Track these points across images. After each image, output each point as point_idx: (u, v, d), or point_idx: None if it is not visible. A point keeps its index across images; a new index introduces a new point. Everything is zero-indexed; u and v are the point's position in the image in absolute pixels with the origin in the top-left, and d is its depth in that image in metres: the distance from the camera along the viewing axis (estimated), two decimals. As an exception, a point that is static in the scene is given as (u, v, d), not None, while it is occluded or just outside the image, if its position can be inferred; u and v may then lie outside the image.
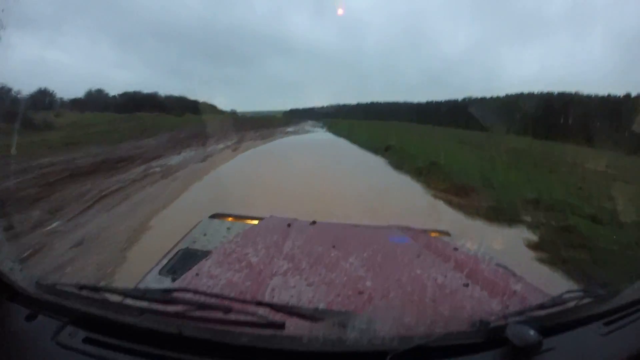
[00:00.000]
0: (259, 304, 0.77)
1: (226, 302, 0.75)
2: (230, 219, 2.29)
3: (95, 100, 33.58)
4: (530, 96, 38.54)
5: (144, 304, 0.77)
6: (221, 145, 17.95)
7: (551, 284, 4.26)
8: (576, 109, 31.97)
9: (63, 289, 0.79)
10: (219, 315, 0.71)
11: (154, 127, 21.53)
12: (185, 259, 1.53)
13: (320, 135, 35.74)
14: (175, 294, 0.79)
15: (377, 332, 0.68)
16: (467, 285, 1.03)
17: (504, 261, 1.47)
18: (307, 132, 39.53)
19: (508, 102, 40.80)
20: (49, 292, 0.78)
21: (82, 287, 0.78)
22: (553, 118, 33.91)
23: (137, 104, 31.96)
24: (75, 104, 34.71)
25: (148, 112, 30.93)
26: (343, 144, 25.13)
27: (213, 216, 2.32)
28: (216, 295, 0.80)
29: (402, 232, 1.85)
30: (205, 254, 1.36)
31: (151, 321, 0.70)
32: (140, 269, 1.58)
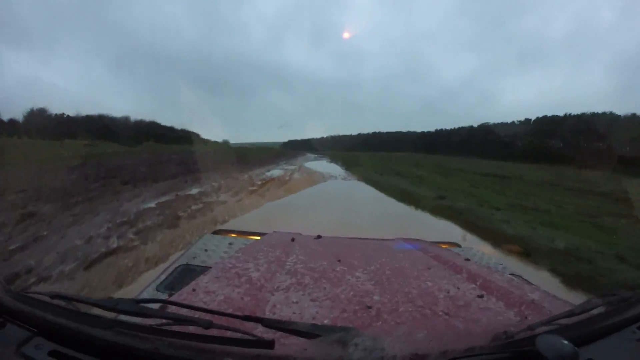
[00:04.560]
0: (248, 318, 0.69)
1: (209, 316, 0.68)
2: (232, 234, 2.15)
3: (37, 123, 27.68)
4: (566, 118, 32.14)
5: (119, 316, 0.72)
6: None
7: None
8: (618, 131, 25.74)
9: (35, 297, 0.76)
10: (199, 331, 0.65)
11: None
12: (184, 275, 1.44)
13: (349, 193, 14.68)
14: (152, 306, 0.74)
15: (386, 350, 0.61)
16: (481, 296, 0.99)
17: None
18: (311, 175, 20.01)
19: (539, 125, 34.51)
20: (20, 300, 0.73)
21: (54, 296, 0.74)
22: (595, 141, 27.34)
23: (72, 129, 26.03)
24: (9, 125, 28.97)
25: (86, 140, 24.96)
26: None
27: (215, 232, 2.21)
28: (198, 309, 0.73)
29: (410, 244, 1.80)
30: (205, 269, 1.28)
31: (124, 335, 0.64)
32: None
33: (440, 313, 0.88)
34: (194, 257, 1.62)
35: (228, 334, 0.64)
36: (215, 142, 57.16)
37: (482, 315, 0.87)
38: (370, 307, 0.89)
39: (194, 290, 0.96)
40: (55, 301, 0.72)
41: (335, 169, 27.74)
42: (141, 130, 34.22)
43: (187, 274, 1.42)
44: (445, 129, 53.78)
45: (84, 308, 0.72)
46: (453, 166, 27.86)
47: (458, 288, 1.04)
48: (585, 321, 0.74)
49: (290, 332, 0.65)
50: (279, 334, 0.65)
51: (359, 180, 18.87)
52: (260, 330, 0.66)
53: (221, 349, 0.62)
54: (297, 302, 0.91)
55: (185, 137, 43.38)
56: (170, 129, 42.89)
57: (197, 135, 53.44)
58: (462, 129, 47.42)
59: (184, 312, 0.70)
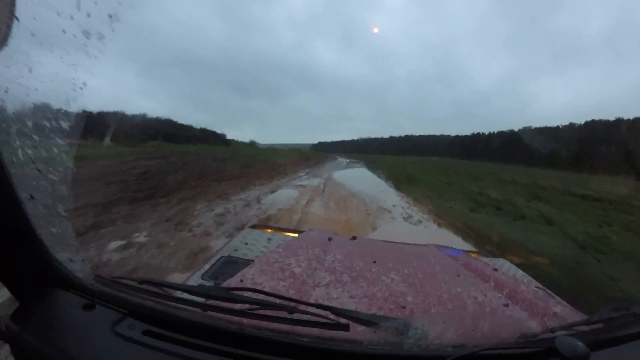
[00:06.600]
0: (320, 306, 0.76)
1: (290, 303, 0.75)
2: (269, 230, 2.26)
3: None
4: (618, 122, 25.85)
5: (207, 300, 0.77)
6: None
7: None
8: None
9: (122, 282, 0.79)
10: (282, 314, 0.72)
11: None
12: (226, 266, 1.53)
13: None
14: (238, 293, 0.80)
15: (434, 338, 0.71)
16: (507, 305, 1.02)
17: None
18: (343, 203, 10.42)
19: (589, 130, 28.34)
20: (108, 285, 0.77)
21: (143, 282, 0.78)
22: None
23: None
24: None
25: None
26: None
27: (253, 227, 2.32)
28: (279, 296, 0.79)
29: (441, 250, 1.82)
30: (246, 262, 1.41)
31: (213, 318, 0.71)
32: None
33: (468, 317, 0.93)
34: (235, 250, 1.72)
35: (307, 317, 0.70)
36: (242, 143, 55.85)
37: (506, 322, 0.93)
38: (404, 307, 0.94)
39: (241, 280, 1.02)
40: (144, 286, 0.76)
41: (379, 185, 18.11)
42: (150, 129, 33.27)
43: (229, 265, 1.49)
44: (483, 133, 48.04)
45: (171, 293, 0.76)
46: (521, 181, 22.19)
47: (485, 296, 1.06)
48: (600, 329, 0.80)
49: (355, 320, 0.72)
50: (346, 320, 0.71)
51: (441, 227, 8.76)
52: (330, 316, 0.72)
53: (302, 330, 0.69)
54: (336, 298, 0.96)
55: (200, 137, 42.31)
56: (187, 128, 41.84)
57: (221, 136, 52.28)
58: (502, 133, 41.60)
59: (266, 298, 0.75)
